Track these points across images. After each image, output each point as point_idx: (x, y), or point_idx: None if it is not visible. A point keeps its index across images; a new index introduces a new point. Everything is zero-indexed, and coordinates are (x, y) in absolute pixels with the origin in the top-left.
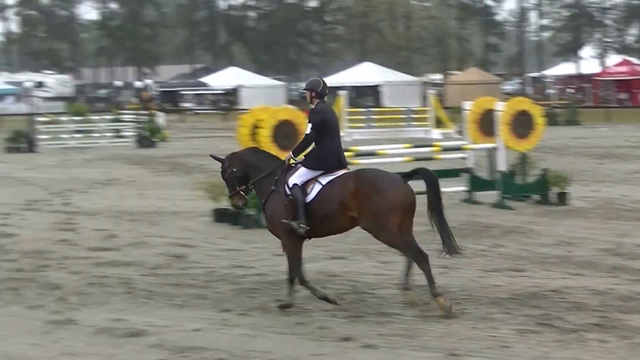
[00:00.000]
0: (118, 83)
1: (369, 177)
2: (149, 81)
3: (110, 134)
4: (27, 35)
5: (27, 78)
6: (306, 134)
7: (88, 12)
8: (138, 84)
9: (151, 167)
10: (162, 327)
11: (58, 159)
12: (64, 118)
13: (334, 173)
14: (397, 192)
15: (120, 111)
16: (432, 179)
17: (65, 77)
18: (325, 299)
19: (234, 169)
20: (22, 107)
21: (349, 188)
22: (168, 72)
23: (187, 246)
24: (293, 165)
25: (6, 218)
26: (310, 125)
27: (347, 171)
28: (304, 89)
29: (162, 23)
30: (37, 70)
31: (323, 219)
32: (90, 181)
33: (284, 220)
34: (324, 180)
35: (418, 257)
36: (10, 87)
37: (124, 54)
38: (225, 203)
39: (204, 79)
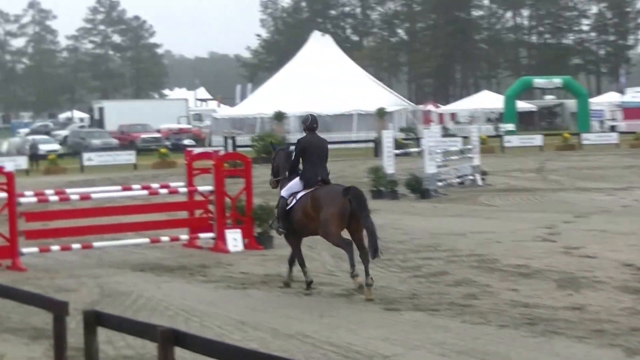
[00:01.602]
0: None
1: (318, 195)
2: None
3: None
4: None
5: None
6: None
7: None
8: None
9: None
10: None
11: None
12: None
13: (310, 189)
14: (336, 206)
15: None
16: (358, 195)
17: None
18: (308, 283)
19: (274, 162)
20: None
21: (308, 202)
22: None
23: None
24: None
25: None
26: (294, 152)
27: (312, 189)
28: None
29: None
30: None
31: (298, 223)
32: None
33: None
34: (299, 195)
35: (347, 246)
36: None
37: None
38: None
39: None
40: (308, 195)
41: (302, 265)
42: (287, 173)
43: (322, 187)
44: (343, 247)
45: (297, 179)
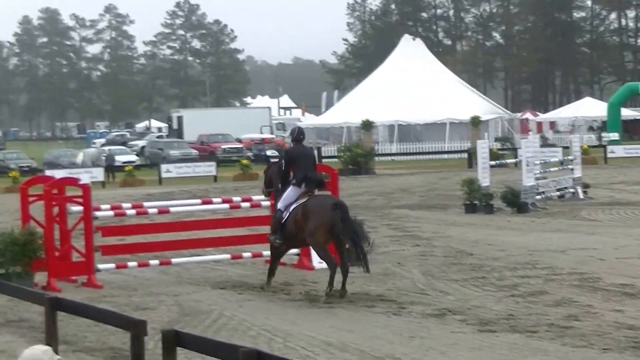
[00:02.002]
0: None
1: (309, 206)
2: None
3: None
4: None
5: None
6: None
7: None
8: None
9: None
10: None
11: None
12: None
13: (300, 200)
14: (323, 218)
15: None
16: (344, 209)
17: None
18: (261, 287)
19: (266, 174)
20: None
21: (299, 213)
22: None
23: None
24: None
25: None
26: (283, 162)
27: (304, 200)
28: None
29: None
30: None
31: (290, 233)
32: None
33: (268, 235)
34: (292, 206)
35: (331, 265)
36: None
37: None
38: None
39: None
40: (300, 206)
41: (271, 273)
42: (279, 185)
43: (314, 197)
44: (327, 264)
45: (291, 188)
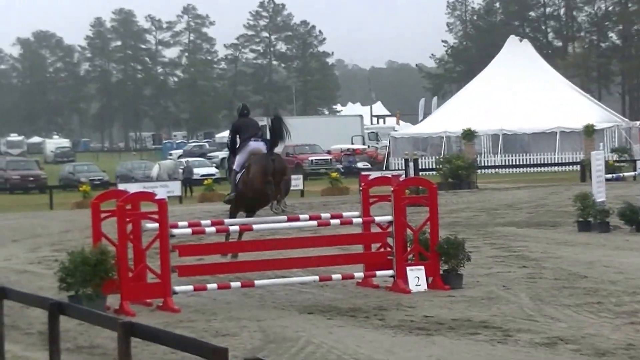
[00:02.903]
0: None
1: (251, 160)
2: None
3: None
4: None
5: None
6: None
7: None
8: None
9: None
10: None
11: None
12: None
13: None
14: (260, 164)
15: None
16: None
17: None
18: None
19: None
20: None
21: (245, 171)
22: None
23: None
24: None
25: None
26: (230, 134)
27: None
28: None
29: None
30: None
31: (242, 193)
32: None
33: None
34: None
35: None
36: None
37: None
38: None
39: None
40: (246, 165)
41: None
42: (231, 155)
43: (257, 155)
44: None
45: (241, 151)
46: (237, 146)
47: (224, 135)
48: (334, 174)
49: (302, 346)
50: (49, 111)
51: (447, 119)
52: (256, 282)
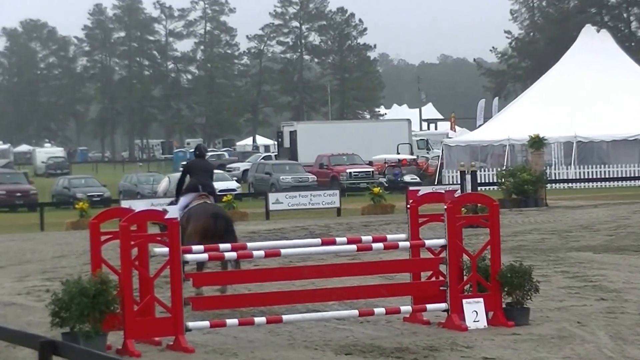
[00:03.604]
0: None
1: (191, 211)
2: None
3: None
4: None
5: None
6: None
7: None
8: None
9: None
10: None
11: None
12: None
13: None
14: (199, 223)
15: None
16: (225, 218)
17: None
18: None
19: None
20: None
21: (184, 219)
22: None
23: None
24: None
25: None
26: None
27: (190, 206)
28: None
29: None
30: None
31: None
32: None
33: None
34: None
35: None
36: None
37: None
38: None
39: None
40: (186, 211)
41: None
42: (175, 194)
43: (199, 204)
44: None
45: (185, 195)
46: (184, 187)
47: (247, 142)
48: (377, 189)
49: None
50: (39, 115)
51: (510, 123)
52: (284, 317)
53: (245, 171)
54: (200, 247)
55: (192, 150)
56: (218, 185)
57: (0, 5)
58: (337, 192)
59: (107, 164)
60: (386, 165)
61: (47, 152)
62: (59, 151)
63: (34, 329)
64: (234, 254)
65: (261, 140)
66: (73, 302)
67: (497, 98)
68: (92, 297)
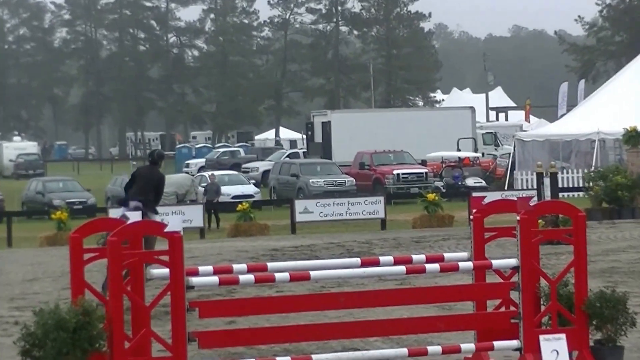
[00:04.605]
0: None
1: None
2: None
3: None
4: None
5: None
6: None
7: None
8: None
9: None
10: None
11: None
12: None
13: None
14: None
15: None
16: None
17: None
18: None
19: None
20: None
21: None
22: None
23: None
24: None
25: None
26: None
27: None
28: None
29: None
30: None
31: None
32: None
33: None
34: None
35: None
36: None
37: None
38: None
39: None
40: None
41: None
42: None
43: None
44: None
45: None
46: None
47: (268, 136)
48: (432, 196)
49: None
50: (7, 101)
51: (601, 113)
52: (314, 357)
53: (266, 172)
54: (209, 268)
55: (199, 146)
56: (232, 190)
57: None
58: (382, 199)
59: (91, 163)
60: (443, 165)
61: (17, 147)
62: (31, 146)
63: None
64: (251, 277)
65: (286, 133)
66: (48, 337)
67: (583, 81)
68: (72, 332)
